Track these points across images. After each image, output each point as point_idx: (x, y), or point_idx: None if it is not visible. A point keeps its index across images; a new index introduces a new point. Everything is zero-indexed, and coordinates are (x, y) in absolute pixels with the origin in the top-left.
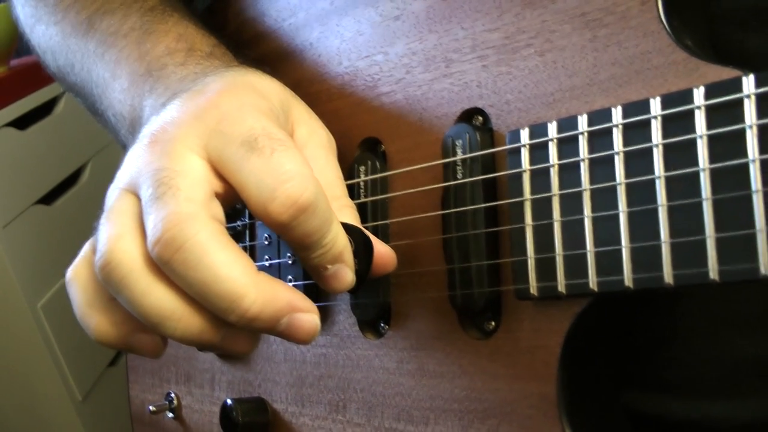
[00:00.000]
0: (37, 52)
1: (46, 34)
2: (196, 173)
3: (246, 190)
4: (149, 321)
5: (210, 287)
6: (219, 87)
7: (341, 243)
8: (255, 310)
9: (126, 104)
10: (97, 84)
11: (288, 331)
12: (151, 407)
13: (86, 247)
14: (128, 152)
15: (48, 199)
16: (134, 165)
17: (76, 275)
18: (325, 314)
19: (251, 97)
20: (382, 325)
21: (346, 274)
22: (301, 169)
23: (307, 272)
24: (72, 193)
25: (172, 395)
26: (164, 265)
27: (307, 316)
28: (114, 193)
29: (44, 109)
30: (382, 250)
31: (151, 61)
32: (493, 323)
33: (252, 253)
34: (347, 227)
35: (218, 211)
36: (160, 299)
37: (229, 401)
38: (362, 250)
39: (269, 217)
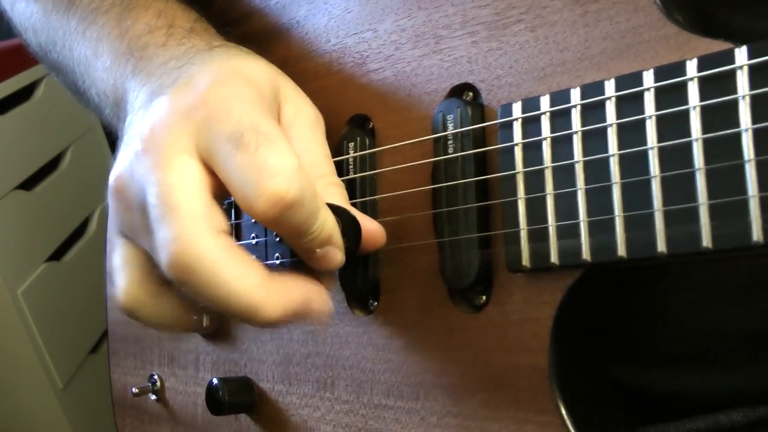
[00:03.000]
0: (18, 30)
1: (26, 11)
2: (192, 182)
3: (233, 187)
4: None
5: (229, 303)
6: (206, 81)
7: (329, 227)
8: (274, 317)
9: (108, 83)
10: (78, 62)
11: (306, 322)
12: (134, 389)
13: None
14: (120, 155)
15: (28, 184)
16: (130, 179)
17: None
18: None
19: (238, 87)
20: (370, 301)
21: (335, 255)
22: (286, 164)
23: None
24: (52, 179)
25: (155, 377)
26: (182, 287)
27: (321, 303)
28: (117, 242)
29: (24, 94)
30: (371, 227)
31: (131, 40)
32: (483, 297)
33: (237, 231)
34: (334, 208)
35: (220, 219)
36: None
37: (215, 380)
38: (350, 229)
39: (255, 214)
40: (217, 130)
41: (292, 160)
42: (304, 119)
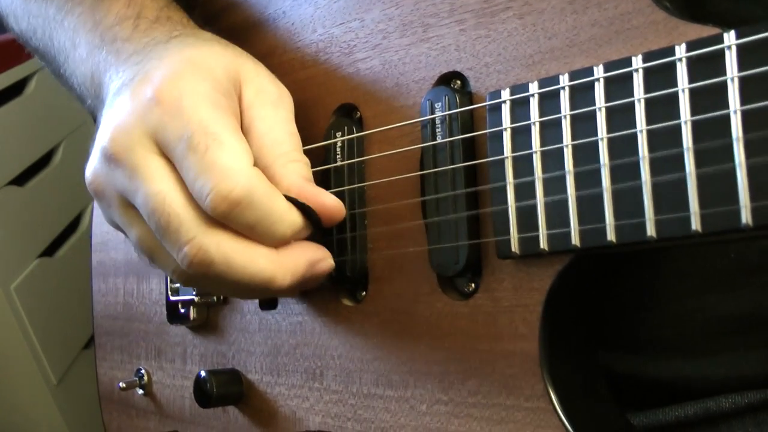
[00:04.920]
0: (1, 16)
1: None
2: (170, 185)
3: (188, 185)
4: None
5: (246, 284)
6: (159, 76)
7: (293, 230)
8: (287, 284)
9: (87, 76)
10: (59, 51)
11: (311, 280)
12: (120, 384)
13: None
14: (92, 153)
15: (20, 180)
16: (106, 182)
17: None
18: None
19: (191, 81)
20: (359, 290)
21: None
22: (233, 164)
23: None
24: (45, 174)
25: (143, 371)
26: (201, 281)
27: (324, 263)
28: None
29: (15, 89)
30: (328, 203)
31: (103, 32)
32: (472, 285)
33: None
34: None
35: (207, 213)
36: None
37: (202, 373)
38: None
39: (209, 211)
40: (170, 130)
41: (241, 160)
42: (265, 98)
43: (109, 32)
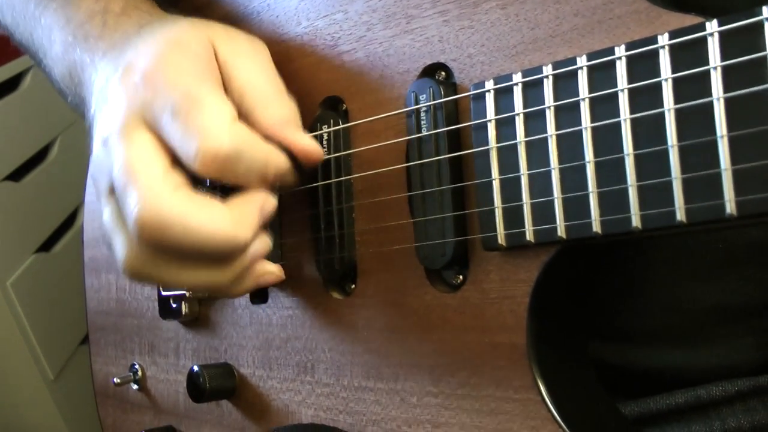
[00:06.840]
0: None
1: None
2: (147, 151)
3: (177, 152)
4: None
5: (208, 244)
6: (144, 61)
7: (278, 173)
8: (249, 237)
9: (65, 74)
10: (39, 48)
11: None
12: (115, 379)
13: None
14: (93, 148)
15: (16, 175)
16: (101, 168)
17: None
18: (290, 275)
19: (173, 58)
20: (348, 283)
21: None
22: (215, 122)
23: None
24: (40, 170)
25: (137, 366)
26: (159, 247)
27: (268, 203)
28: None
29: (10, 85)
30: (301, 145)
31: (75, 29)
32: (460, 277)
33: None
34: None
35: (178, 177)
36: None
37: (195, 368)
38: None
39: (200, 173)
40: (158, 104)
41: (223, 117)
42: (239, 50)
43: (81, 30)
